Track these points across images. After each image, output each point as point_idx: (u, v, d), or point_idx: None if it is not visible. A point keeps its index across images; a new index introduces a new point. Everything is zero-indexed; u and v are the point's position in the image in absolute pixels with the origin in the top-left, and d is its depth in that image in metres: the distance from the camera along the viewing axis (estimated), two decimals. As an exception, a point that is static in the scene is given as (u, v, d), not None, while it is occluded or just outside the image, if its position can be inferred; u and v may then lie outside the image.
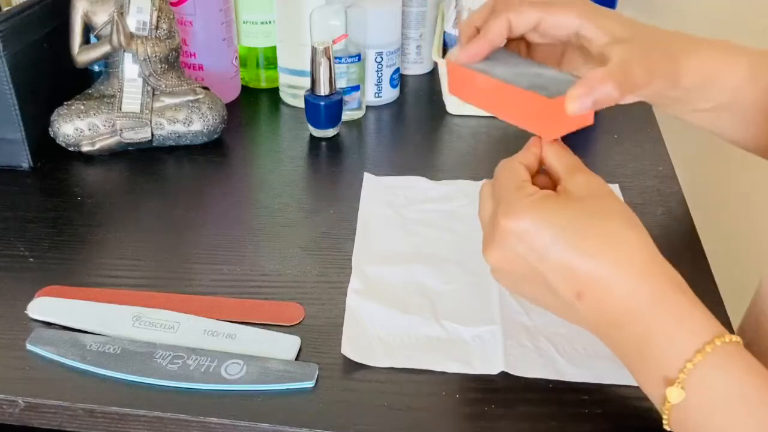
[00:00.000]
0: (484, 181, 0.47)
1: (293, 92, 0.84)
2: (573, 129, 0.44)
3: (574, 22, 0.48)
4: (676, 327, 0.39)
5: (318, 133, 0.78)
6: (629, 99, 0.47)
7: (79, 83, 0.77)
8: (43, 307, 0.53)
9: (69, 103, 0.72)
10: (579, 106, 0.42)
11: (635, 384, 0.47)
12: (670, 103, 0.51)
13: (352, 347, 0.49)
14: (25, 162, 0.71)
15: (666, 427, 0.39)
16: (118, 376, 0.47)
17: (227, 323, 0.51)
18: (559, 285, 0.41)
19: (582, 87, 0.42)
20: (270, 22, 0.85)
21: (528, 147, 0.46)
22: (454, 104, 0.83)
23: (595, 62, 0.47)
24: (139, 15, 0.71)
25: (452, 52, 0.49)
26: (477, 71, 0.47)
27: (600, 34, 0.47)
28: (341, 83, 0.78)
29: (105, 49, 0.72)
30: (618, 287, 0.39)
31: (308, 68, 0.74)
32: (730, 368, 0.37)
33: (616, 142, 0.76)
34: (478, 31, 0.49)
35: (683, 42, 0.49)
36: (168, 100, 0.73)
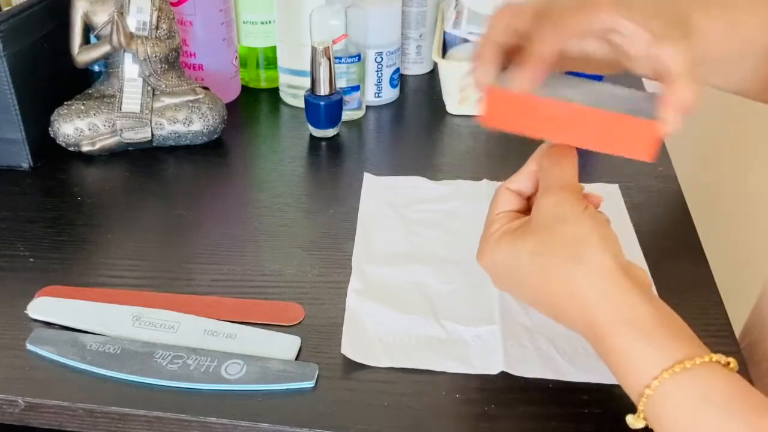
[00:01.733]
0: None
1: (293, 92, 0.84)
2: (654, 150, 0.43)
3: (608, 20, 0.43)
4: (628, 362, 0.40)
5: (318, 133, 0.78)
6: None
7: (79, 83, 0.77)
8: (43, 307, 0.53)
9: (69, 103, 0.72)
10: (675, 126, 0.42)
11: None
12: None
13: (352, 347, 0.49)
14: (25, 162, 0.71)
15: None
16: (118, 376, 0.47)
17: (227, 323, 0.51)
18: (541, 307, 0.45)
19: (672, 107, 0.41)
20: (270, 22, 0.85)
21: (524, 166, 0.47)
22: (454, 104, 0.83)
23: (637, 64, 0.45)
24: (139, 15, 0.71)
25: (481, 77, 0.44)
26: (537, 96, 0.43)
27: (639, 31, 0.42)
28: (341, 83, 0.78)
29: (105, 49, 0.72)
30: (577, 321, 0.42)
31: (308, 68, 0.74)
32: (678, 402, 0.38)
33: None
34: (500, 48, 0.45)
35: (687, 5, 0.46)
36: (168, 100, 0.73)
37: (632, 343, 0.39)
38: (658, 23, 0.42)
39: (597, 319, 0.40)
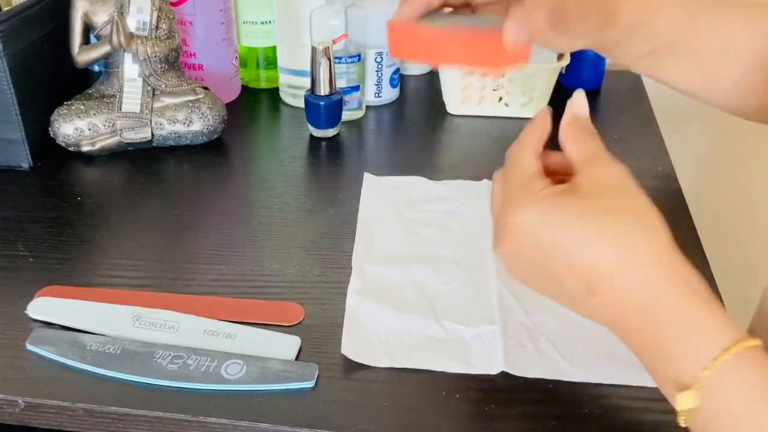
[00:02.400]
0: (495, 173, 0.46)
1: (293, 92, 0.84)
2: (513, 64, 0.49)
3: None
4: (691, 333, 0.37)
5: (318, 133, 0.78)
6: (570, 42, 0.50)
7: (79, 83, 0.77)
8: (43, 307, 0.53)
9: (69, 103, 0.72)
10: (515, 38, 0.46)
11: (635, 384, 0.47)
12: (612, 47, 0.51)
13: (352, 347, 0.49)
14: (25, 162, 0.71)
15: (682, 424, 0.38)
16: (118, 376, 0.47)
17: (227, 323, 0.51)
18: (570, 283, 0.39)
19: (513, 20, 0.46)
20: (270, 22, 0.85)
21: (534, 124, 0.44)
22: (454, 104, 0.83)
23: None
24: (139, 15, 0.71)
25: (395, 15, 0.53)
26: (418, 27, 0.51)
27: None
28: (341, 83, 0.78)
29: (105, 49, 0.72)
30: (628, 290, 0.38)
31: (308, 68, 0.75)
32: (744, 377, 0.36)
33: (616, 141, 0.76)
34: None
35: None
36: (168, 100, 0.73)
37: (705, 313, 0.37)
38: None
39: (664, 283, 0.38)
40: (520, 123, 0.81)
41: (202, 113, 0.73)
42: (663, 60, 0.52)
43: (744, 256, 1.02)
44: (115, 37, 0.70)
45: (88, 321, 0.51)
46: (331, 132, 0.78)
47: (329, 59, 0.73)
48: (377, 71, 0.83)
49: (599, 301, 0.39)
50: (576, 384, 0.47)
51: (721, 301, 0.54)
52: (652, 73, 0.54)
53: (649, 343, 0.38)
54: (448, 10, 0.54)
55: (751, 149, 1.00)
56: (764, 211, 1.08)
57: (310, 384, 0.47)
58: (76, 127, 0.71)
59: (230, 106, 0.81)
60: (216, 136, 0.75)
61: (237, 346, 0.49)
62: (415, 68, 0.94)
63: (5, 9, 0.69)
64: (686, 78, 0.53)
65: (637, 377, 0.47)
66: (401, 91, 0.88)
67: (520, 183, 0.41)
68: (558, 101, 0.82)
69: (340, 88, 0.77)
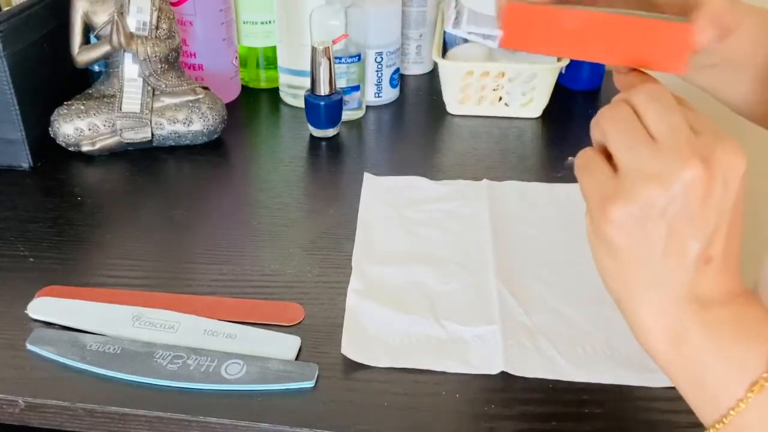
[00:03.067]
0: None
1: (293, 92, 0.84)
2: (671, 69, 0.39)
3: None
4: (724, 365, 0.34)
5: (318, 133, 0.78)
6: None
7: (79, 83, 0.77)
8: (43, 307, 0.53)
9: (69, 103, 0.72)
10: (707, 38, 0.38)
11: (635, 384, 0.47)
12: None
13: (352, 347, 0.49)
14: (25, 162, 0.71)
15: None
16: (118, 376, 0.47)
17: (227, 323, 0.51)
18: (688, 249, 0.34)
19: (710, 16, 0.38)
20: (270, 22, 0.85)
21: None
22: (454, 104, 0.83)
23: (669, 9, 0.42)
24: (139, 15, 0.71)
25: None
26: (559, 8, 0.40)
27: None
28: (341, 83, 0.78)
29: (105, 49, 0.72)
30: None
31: (308, 68, 0.75)
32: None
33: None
34: None
35: None
36: (168, 100, 0.73)
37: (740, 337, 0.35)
38: None
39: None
40: (520, 123, 0.81)
41: (202, 113, 0.73)
42: (722, 73, 0.48)
43: (744, 256, 1.02)
44: (115, 37, 0.70)
45: (88, 321, 0.51)
46: (331, 132, 0.78)
47: (329, 59, 0.73)
48: (377, 71, 0.83)
49: (711, 274, 0.36)
50: (576, 384, 0.47)
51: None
52: (705, 84, 0.49)
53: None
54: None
55: (752, 148, 1.00)
56: (765, 211, 1.08)
57: (310, 384, 0.47)
58: (76, 127, 0.71)
59: (230, 106, 0.81)
60: (216, 136, 0.75)
61: (237, 346, 0.49)
62: (415, 68, 0.94)
63: (5, 9, 0.69)
64: (738, 96, 0.50)
65: (637, 377, 0.47)
66: (401, 91, 0.88)
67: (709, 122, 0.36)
68: (558, 101, 0.83)
69: (340, 88, 0.77)
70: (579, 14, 0.40)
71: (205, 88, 0.75)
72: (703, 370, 0.35)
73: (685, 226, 0.34)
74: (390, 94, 0.86)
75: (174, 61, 0.74)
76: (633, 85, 0.38)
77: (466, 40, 0.84)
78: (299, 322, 0.52)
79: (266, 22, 0.85)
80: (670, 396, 0.46)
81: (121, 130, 0.72)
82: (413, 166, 0.72)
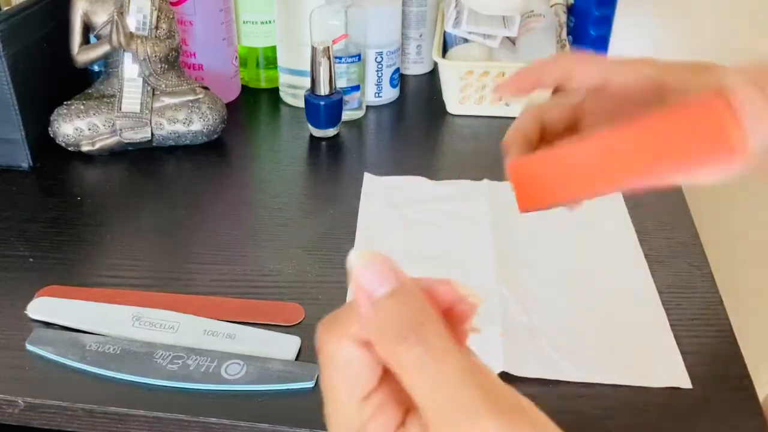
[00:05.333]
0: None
1: (293, 92, 0.84)
2: (728, 156, 0.30)
3: (649, 73, 0.37)
4: None
5: (318, 133, 0.78)
6: None
7: (79, 83, 0.77)
8: (42, 307, 0.53)
9: (69, 102, 0.72)
10: (750, 98, 0.32)
11: (635, 384, 0.47)
12: None
13: (352, 347, 0.49)
14: (25, 162, 0.71)
15: None
16: (118, 376, 0.47)
17: (227, 323, 0.51)
18: None
19: (749, 83, 0.33)
20: (270, 22, 0.85)
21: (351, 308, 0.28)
22: (454, 104, 0.83)
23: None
24: (139, 15, 0.71)
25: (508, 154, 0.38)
26: (568, 146, 0.34)
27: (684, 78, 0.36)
28: (341, 83, 0.78)
29: (105, 48, 0.72)
30: None
31: (308, 68, 0.74)
32: None
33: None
34: (525, 137, 0.41)
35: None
36: (168, 100, 0.73)
37: None
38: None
39: None
40: (520, 123, 0.81)
41: (202, 113, 0.73)
42: None
43: (744, 255, 1.02)
44: (114, 37, 0.70)
45: (88, 321, 0.51)
46: (331, 132, 0.78)
47: (329, 59, 0.73)
48: (377, 71, 0.83)
49: None
50: (576, 384, 0.47)
51: (721, 300, 0.54)
52: None
53: None
54: None
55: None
56: (765, 211, 1.08)
57: (310, 384, 0.47)
58: (76, 126, 0.71)
59: (230, 106, 0.80)
60: (216, 136, 0.75)
61: (237, 346, 0.49)
62: (415, 68, 0.94)
63: (5, 9, 0.69)
64: None
65: (637, 377, 0.47)
66: (401, 91, 0.88)
67: (343, 397, 0.26)
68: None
69: (340, 88, 0.77)
70: (591, 144, 0.33)
71: (205, 88, 0.75)
72: None
73: None
74: (390, 94, 0.86)
75: (174, 61, 0.74)
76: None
77: (466, 40, 0.84)
78: (299, 322, 0.52)
79: (266, 22, 0.85)
80: (670, 396, 0.46)
81: (120, 130, 0.72)
82: (413, 166, 0.71)
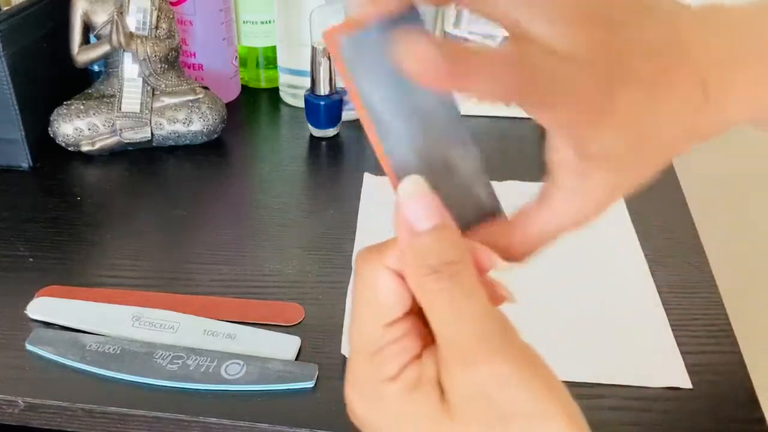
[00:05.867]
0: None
1: (293, 92, 0.84)
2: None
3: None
4: None
5: (318, 133, 0.78)
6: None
7: (78, 83, 0.77)
8: (42, 307, 0.53)
9: (68, 102, 0.72)
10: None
11: (635, 384, 0.47)
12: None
13: (352, 347, 0.49)
14: (24, 162, 0.71)
15: None
16: (118, 376, 0.47)
17: (227, 323, 0.51)
18: None
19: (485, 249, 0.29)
20: (270, 22, 0.85)
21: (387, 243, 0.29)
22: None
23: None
24: (139, 15, 0.71)
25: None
26: (356, 82, 0.28)
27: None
28: (341, 83, 0.78)
29: (105, 48, 0.72)
30: None
31: (308, 68, 0.74)
32: None
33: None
34: None
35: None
36: (168, 100, 0.73)
37: None
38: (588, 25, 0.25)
39: None
40: (520, 123, 0.81)
41: (202, 113, 0.73)
42: None
43: (744, 255, 1.02)
44: (114, 37, 0.70)
45: (88, 321, 0.51)
46: (331, 132, 0.78)
47: (329, 59, 0.73)
48: (377, 71, 0.83)
49: None
50: (576, 384, 0.47)
51: (721, 300, 0.54)
52: None
53: None
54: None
55: (753, 147, 1.00)
56: (765, 210, 1.08)
57: (309, 384, 0.47)
58: (76, 126, 0.71)
59: (230, 106, 0.80)
60: (216, 135, 0.75)
61: (237, 346, 0.49)
62: (415, 68, 0.93)
63: (5, 9, 0.69)
64: None
65: (637, 377, 0.47)
66: (401, 91, 0.88)
67: (363, 352, 0.29)
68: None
69: (340, 88, 0.77)
70: (354, 94, 0.29)
71: (205, 88, 0.75)
72: None
73: None
74: (390, 94, 0.86)
75: (174, 61, 0.74)
76: None
77: (466, 40, 0.84)
78: (299, 322, 0.52)
79: (266, 22, 0.85)
80: (670, 396, 0.46)
81: (120, 129, 0.72)
82: (413, 166, 0.71)
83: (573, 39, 0.24)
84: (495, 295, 0.29)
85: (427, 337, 0.28)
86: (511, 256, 0.30)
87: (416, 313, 0.27)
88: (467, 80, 0.23)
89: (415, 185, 0.27)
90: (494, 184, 0.32)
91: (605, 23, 0.25)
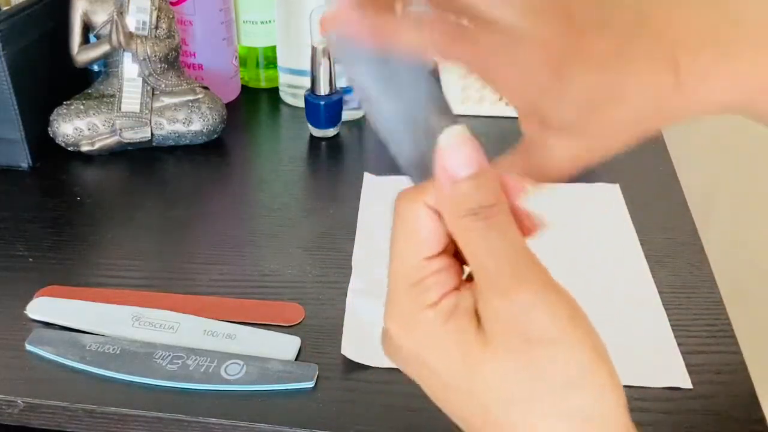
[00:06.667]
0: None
1: (293, 92, 0.84)
2: None
3: None
4: None
5: (318, 133, 0.77)
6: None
7: (78, 83, 0.76)
8: (42, 307, 0.53)
9: (68, 102, 0.72)
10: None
11: (635, 384, 0.47)
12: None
13: (352, 347, 0.49)
14: (24, 162, 0.70)
15: None
16: (118, 377, 0.47)
17: (227, 323, 0.51)
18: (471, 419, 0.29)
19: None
20: (270, 22, 0.85)
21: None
22: (454, 104, 0.82)
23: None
24: (139, 14, 0.71)
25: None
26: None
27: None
28: (341, 83, 0.78)
29: (104, 48, 0.72)
30: None
31: (308, 68, 0.74)
32: None
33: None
34: None
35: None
36: (168, 100, 0.73)
37: None
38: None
39: None
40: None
41: (202, 113, 0.73)
42: None
43: (745, 255, 1.02)
44: (114, 37, 0.70)
45: (88, 321, 0.51)
46: (331, 132, 0.78)
47: (329, 59, 0.73)
48: (377, 71, 0.83)
49: None
50: (576, 384, 0.47)
51: (721, 300, 0.54)
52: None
53: None
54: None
55: (753, 147, 1.00)
56: (765, 210, 1.08)
57: (309, 384, 0.47)
58: (76, 126, 0.71)
59: (230, 106, 0.80)
60: (216, 135, 0.75)
61: (237, 347, 0.49)
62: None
63: (5, 9, 0.69)
64: None
65: (637, 377, 0.47)
66: (401, 90, 0.88)
67: (403, 281, 0.30)
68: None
69: (340, 87, 0.77)
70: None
71: (205, 88, 0.75)
72: None
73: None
74: (390, 94, 0.86)
75: (174, 61, 0.74)
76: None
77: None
78: (299, 322, 0.52)
79: (266, 22, 0.85)
80: (670, 396, 0.46)
81: (120, 129, 0.72)
82: (413, 166, 0.71)
83: (530, 23, 0.27)
84: (529, 225, 0.31)
85: (462, 277, 0.30)
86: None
87: (453, 254, 0.29)
88: (389, 23, 0.27)
89: (456, 134, 0.29)
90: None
91: (565, 8, 0.27)
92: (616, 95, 0.27)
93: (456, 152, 0.28)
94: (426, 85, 0.32)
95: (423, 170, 0.32)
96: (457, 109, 0.83)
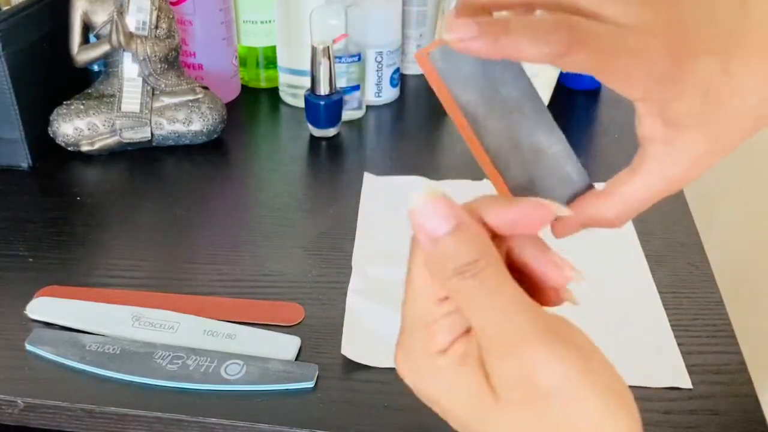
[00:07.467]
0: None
1: (293, 92, 0.84)
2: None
3: None
4: None
5: (318, 133, 0.77)
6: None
7: (78, 83, 0.76)
8: (42, 307, 0.53)
9: (68, 102, 0.72)
10: (564, 233, 0.33)
11: (635, 384, 0.47)
12: None
13: (352, 347, 0.49)
14: (24, 162, 0.71)
15: None
16: (118, 377, 0.47)
17: (227, 323, 0.51)
18: None
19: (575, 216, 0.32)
20: (270, 21, 0.85)
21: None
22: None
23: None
24: (139, 14, 0.71)
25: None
26: (450, 89, 0.31)
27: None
28: (341, 83, 0.78)
29: (104, 48, 0.72)
30: None
31: (308, 68, 0.74)
32: None
33: (617, 141, 0.76)
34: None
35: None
36: (168, 100, 0.73)
37: None
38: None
39: None
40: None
41: (202, 113, 0.73)
42: None
43: (745, 254, 1.02)
44: (114, 37, 0.70)
45: (88, 321, 0.51)
46: (331, 132, 0.78)
47: (329, 59, 0.73)
48: (377, 71, 0.83)
49: None
50: (576, 384, 0.47)
51: (721, 300, 0.54)
52: None
53: None
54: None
55: (753, 147, 1.00)
56: (765, 210, 1.08)
57: (309, 384, 0.47)
58: (76, 126, 0.71)
59: (230, 106, 0.80)
60: (216, 135, 0.75)
61: (237, 347, 0.49)
62: (415, 68, 0.93)
63: (5, 9, 0.69)
64: None
65: (637, 377, 0.47)
66: (401, 91, 0.88)
67: (417, 327, 0.29)
68: (558, 101, 0.82)
69: (340, 87, 0.77)
70: (454, 108, 0.33)
71: (205, 88, 0.75)
72: None
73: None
74: (390, 94, 0.86)
75: (173, 61, 0.74)
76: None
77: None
78: (299, 322, 0.52)
79: (266, 22, 0.85)
80: (670, 396, 0.46)
81: (120, 129, 0.72)
82: (413, 166, 0.71)
83: (639, 16, 0.27)
84: (556, 279, 0.32)
85: None
86: (607, 222, 0.34)
87: None
88: (508, 42, 0.26)
89: (426, 193, 0.29)
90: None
91: (670, 2, 0.27)
92: (731, 82, 0.28)
93: (431, 210, 0.29)
94: (531, 101, 0.32)
95: (532, 190, 0.31)
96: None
